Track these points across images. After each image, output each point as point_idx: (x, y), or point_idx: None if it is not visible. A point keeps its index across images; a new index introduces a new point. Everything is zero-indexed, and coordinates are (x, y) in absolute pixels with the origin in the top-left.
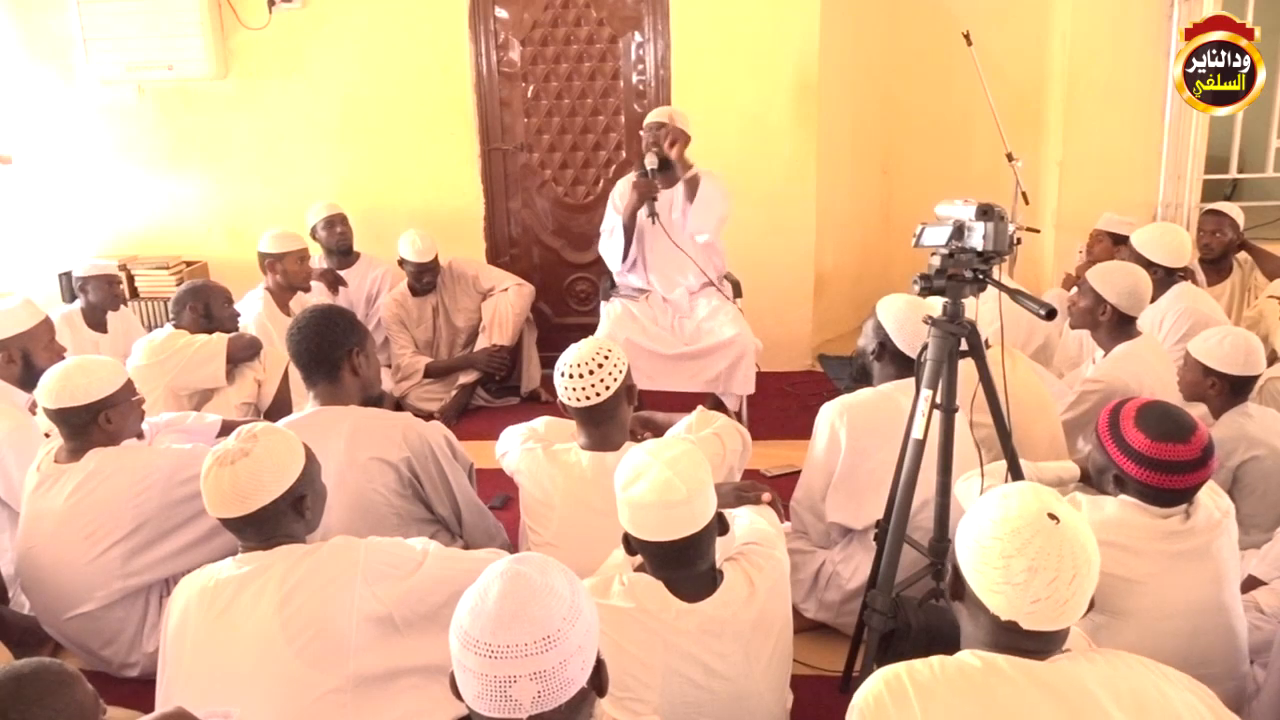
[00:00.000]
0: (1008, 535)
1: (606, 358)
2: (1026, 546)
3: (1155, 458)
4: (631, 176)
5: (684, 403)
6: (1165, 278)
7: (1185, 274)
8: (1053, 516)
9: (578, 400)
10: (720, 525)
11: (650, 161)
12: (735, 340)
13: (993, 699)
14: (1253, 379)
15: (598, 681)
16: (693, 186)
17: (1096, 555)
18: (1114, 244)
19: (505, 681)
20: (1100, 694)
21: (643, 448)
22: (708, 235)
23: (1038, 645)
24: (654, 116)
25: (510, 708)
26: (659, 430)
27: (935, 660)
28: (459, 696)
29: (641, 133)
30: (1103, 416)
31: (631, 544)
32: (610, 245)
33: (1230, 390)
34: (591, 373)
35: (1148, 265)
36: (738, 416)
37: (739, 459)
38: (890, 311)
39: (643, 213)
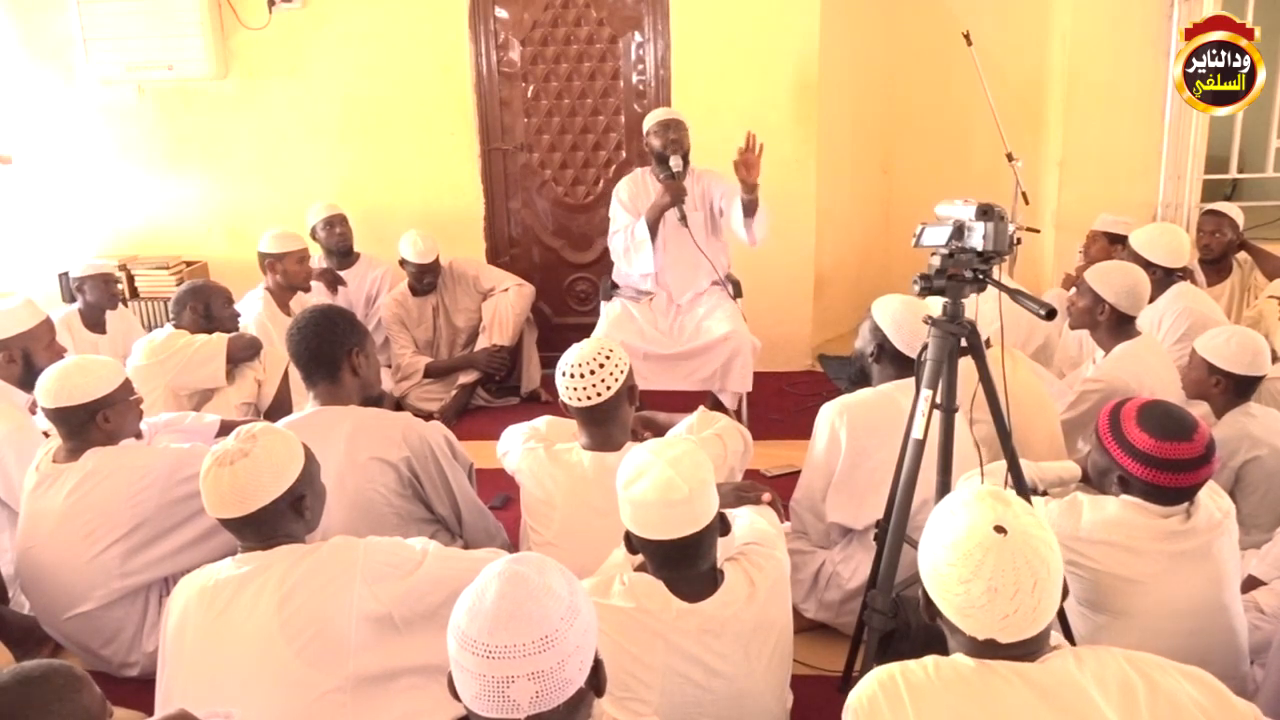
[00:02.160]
0: (960, 560)
1: (608, 358)
2: (980, 568)
3: (1158, 456)
4: (636, 176)
5: (685, 402)
6: (1164, 278)
7: (1184, 274)
8: (999, 529)
9: (579, 400)
10: (721, 525)
11: (675, 164)
12: (730, 336)
13: (987, 699)
14: (1257, 379)
15: (596, 681)
16: (754, 203)
17: (1054, 552)
18: (1110, 244)
19: (503, 682)
20: (1092, 690)
21: (645, 447)
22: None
23: (1022, 650)
24: (662, 115)
25: (508, 708)
26: (660, 430)
27: (929, 660)
28: (457, 696)
29: (649, 136)
30: (1103, 417)
31: (633, 542)
32: (638, 251)
33: (1234, 390)
34: (593, 373)
35: (1146, 265)
36: (737, 416)
37: (740, 460)
38: (886, 312)
39: (672, 216)
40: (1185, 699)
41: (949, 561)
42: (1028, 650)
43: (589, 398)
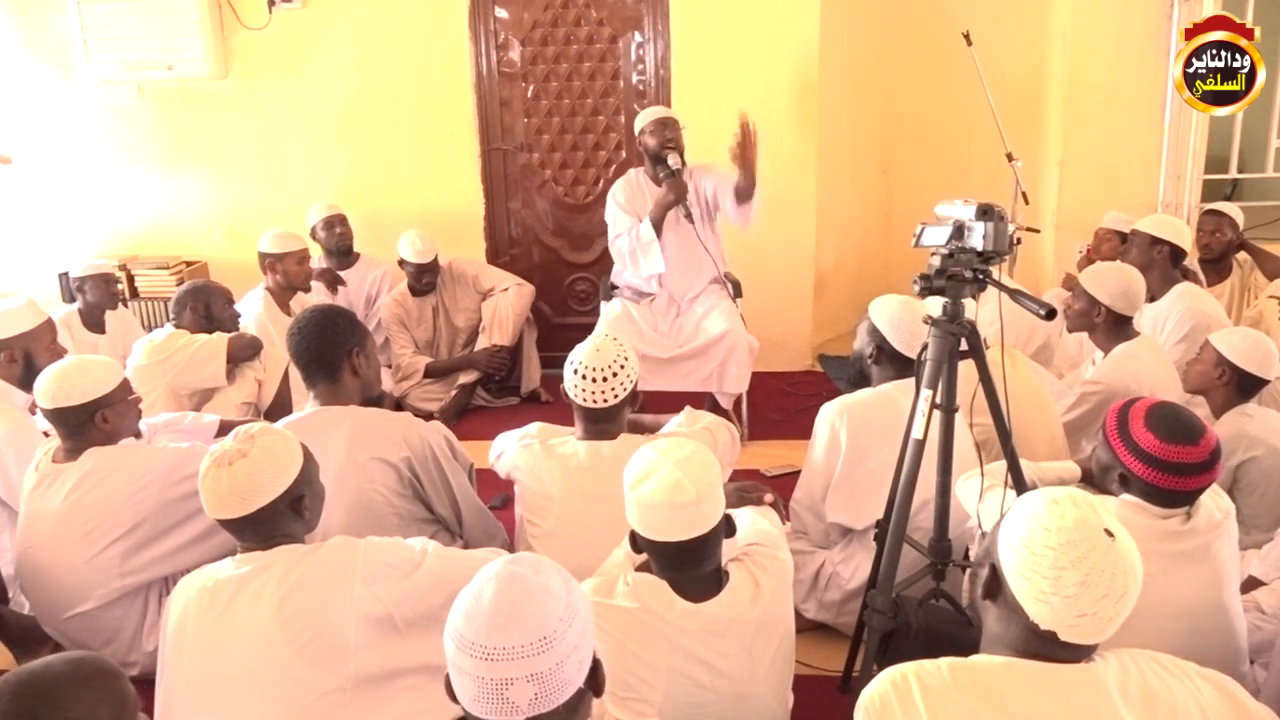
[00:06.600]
0: (1062, 546)
1: (622, 367)
2: (1082, 561)
3: (1164, 459)
4: (630, 177)
5: (684, 403)
6: (1171, 257)
7: (1186, 274)
8: (1109, 533)
9: (584, 401)
10: (727, 527)
11: (675, 162)
12: (725, 335)
13: (1001, 702)
14: (1260, 382)
15: (594, 682)
16: (752, 188)
17: (1142, 575)
18: (1122, 242)
19: (502, 684)
20: (1115, 696)
21: (652, 447)
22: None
23: (1069, 655)
24: (656, 115)
25: (507, 710)
26: (648, 432)
27: (944, 662)
28: (454, 698)
29: (644, 135)
30: (1111, 416)
31: (639, 543)
32: (645, 253)
33: (1237, 387)
34: (605, 380)
35: (1155, 242)
36: (735, 416)
37: (729, 453)
38: (884, 313)
39: (677, 215)
40: (1204, 705)
41: (1048, 544)
42: (1076, 655)
43: (594, 401)
